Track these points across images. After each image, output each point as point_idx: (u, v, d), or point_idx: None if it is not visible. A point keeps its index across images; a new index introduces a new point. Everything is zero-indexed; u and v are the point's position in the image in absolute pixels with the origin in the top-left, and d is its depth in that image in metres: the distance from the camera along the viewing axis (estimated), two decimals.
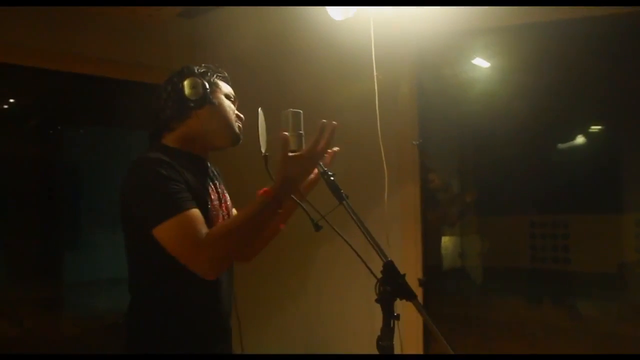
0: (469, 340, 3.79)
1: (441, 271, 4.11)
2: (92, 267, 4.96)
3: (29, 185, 4.38)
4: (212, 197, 1.73)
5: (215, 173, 1.86)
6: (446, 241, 4.17)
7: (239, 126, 1.78)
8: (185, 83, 1.67)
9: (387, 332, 1.50)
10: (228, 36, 3.31)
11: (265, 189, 1.53)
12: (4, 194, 4.24)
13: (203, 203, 1.65)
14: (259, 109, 1.63)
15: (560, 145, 3.76)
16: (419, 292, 2.40)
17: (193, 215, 1.52)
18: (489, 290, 4.04)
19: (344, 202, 1.56)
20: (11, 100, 4.32)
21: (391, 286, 1.50)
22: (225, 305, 1.73)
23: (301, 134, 1.59)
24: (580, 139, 3.72)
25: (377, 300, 1.51)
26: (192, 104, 1.68)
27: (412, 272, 2.64)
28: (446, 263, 4.14)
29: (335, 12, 2.32)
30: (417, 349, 2.61)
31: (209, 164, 1.83)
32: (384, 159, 2.52)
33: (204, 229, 1.50)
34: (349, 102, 2.88)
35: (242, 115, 1.80)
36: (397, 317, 1.51)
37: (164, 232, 1.49)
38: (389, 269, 1.51)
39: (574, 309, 3.73)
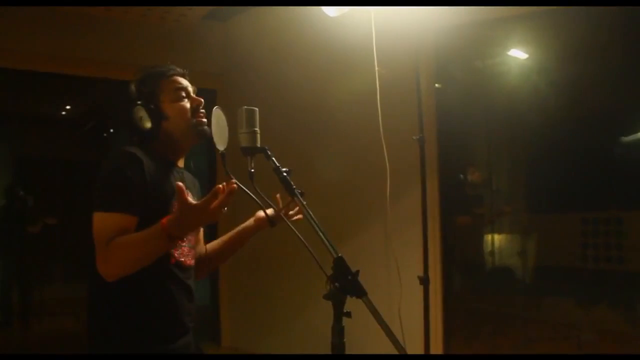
0: (513, 341, 3.68)
1: (484, 270, 4.01)
2: None
3: (84, 187, 4.61)
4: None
5: (189, 180, 1.90)
6: (491, 239, 4.06)
7: (199, 120, 1.80)
8: (136, 117, 1.73)
9: (337, 330, 1.48)
10: (242, 37, 3.37)
11: (165, 218, 1.53)
12: (62, 195, 4.51)
13: (165, 205, 1.69)
14: (215, 108, 1.65)
15: (614, 138, 3.55)
16: (420, 289, 2.34)
17: (125, 220, 1.58)
18: (537, 289, 3.90)
19: (296, 197, 1.55)
20: (67, 107, 4.59)
21: (340, 283, 1.48)
22: (181, 302, 1.77)
23: (255, 130, 1.60)
24: (635, 130, 3.51)
25: (325, 297, 1.49)
26: (149, 130, 1.74)
27: (414, 269, 2.57)
28: (490, 261, 4.03)
29: (330, 9, 2.31)
30: (419, 347, 2.55)
31: (182, 171, 1.87)
32: (386, 156, 2.48)
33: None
34: (351, 98, 2.86)
35: (200, 100, 1.82)
36: (348, 315, 1.48)
37: (96, 220, 1.59)
38: (339, 265, 1.49)
39: (629, 311, 3.52)
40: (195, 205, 1.48)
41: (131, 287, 1.60)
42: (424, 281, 2.32)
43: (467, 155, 3.76)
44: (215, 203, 1.47)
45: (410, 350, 2.47)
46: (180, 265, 1.74)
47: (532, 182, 3.89)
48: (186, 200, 1.47)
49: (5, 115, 4.16)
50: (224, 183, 1.50)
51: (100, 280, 1.64)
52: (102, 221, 1.57)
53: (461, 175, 3.67)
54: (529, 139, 3.75)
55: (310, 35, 3.02)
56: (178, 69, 1.84)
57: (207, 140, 1.78)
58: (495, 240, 4.06)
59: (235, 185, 1.49)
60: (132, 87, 1.78)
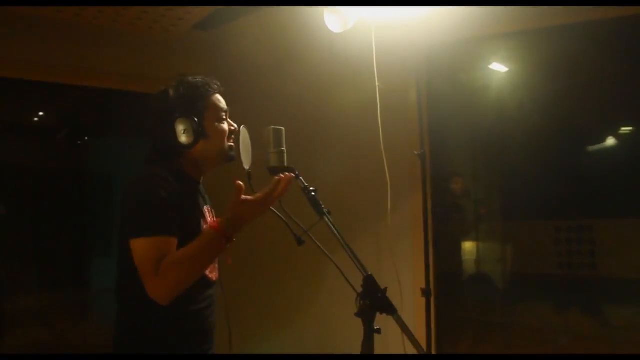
0: (492, 347, 3.75)
1: (463, 278, 4.08)
2: None
3: (58, 194, 4.55)
4: (208, 218, 1.79)
5: (206, 196, 1.90)
6: (469, 247, 4.13)
7: (230, 145, 1.79)
8: (177, 129, 1.69)
9: (367, 346, 1.51)
10: (238, 48, 3.37)
11: (214, 222, 1.58)
12: (36, 203, 4.41)
13: (197, 223, 1.70)
14: (242, 127, 1.66)
15: (585, 149, 3.68)
16: (422, 301, 2.40)
17: (167, 242, 1.56)
18: (514, 296, 3.99)
19: (325, 217, 1.57)
20: (41, 114, 4.48)
21: (371, 300, 1.51)
22: (210, 318, 1.78)
23: (283, 150, 1.62)
24: (605, 142, 3.64)
25: (356, 314, 1.52)
26: (181, 145, 1.70)
27: (416, 281, 2.63)
28: (469, 269, 4.10)
29: (334, 25, 2.34)
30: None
31: (201, 186, 1.87)
32: (386, 169, 2.53)
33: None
34: (351, 112, 2.89)
35: (234, 127, 1.81)
36: (378, 331, 1.52)
37: (137, 247, 1.57)
38: (369, 283, 1.52)
39: (601, 315, 3.64)
40: (254, 199, 1.55)
41: (159, 305, 1.59)
42: (426, 293, 2.36)
43: (451, 166, 3.83)
44: (275, 194, 1.55)
45: None
46: (208, 282, 1.75)
47: (509, 192, 3.98)
48: (244, 199, 1.54)
49: None
50: (285, 173, 1.57)
51: (129, 299, 1.64)
52: (145, 247, 1.55)
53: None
54: (508, 150, 3.84)
55: (307, 48, 3.04)
56: (220, 85, 1.81)
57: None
58: (473, 248, 4.14)
59: (292, 175, 1.56)
60: (172, 95, 1.73)
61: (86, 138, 4.65)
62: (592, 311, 3.66)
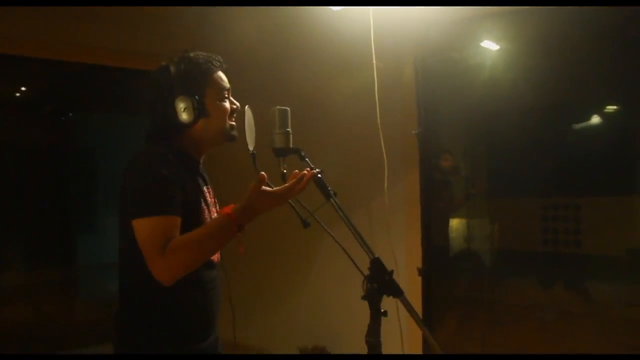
0: (479, 324, 3.80)
1: (451, 255, 4.11)
2: (107, 250, 5.03)
3: (42, 171, 4.48)
4: (208, 199, 1.76)
5: (205, 176, 1.88)
6: (456, 225, 4.15)
7: (231, 125, 1.76)
8: (177, 107, 1.66)
9: (373, 329, 1.52)
10: (231, 24, 3.30)
11: (227, 208, 1.56)
12: (19, 180, 4.34)
13: (197, 204, 1.68)
14: (246, 107, 1.64)
15: (572, 128, 3.69)
16: (418, 280, 2.41)
17: (172, 222, 1.55)
18: (500, 273, 4.03)
19: (332, 199, 1.56)
20: (23, 89, 4.38)
21: (378, 283, 1.51)
22: (215, 300, 1.77)
23: (288, 131, 1.60)
24: (592, 121, 3.66)
25: (363, 297, 1.52)
26: (181, 124, 1.68)
27: (412, 261, 2.64)
28: (456, 247, 4.13)
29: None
30: (417, 345, 2.63)
31: (201, 167, 1.85)
32: (383, 148, 2.53)
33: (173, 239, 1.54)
34: (349, 91, 2.87)
35: (236, 105, 1.78)
36: (384, 314, 1.52)
37: (141, 227, 1.54)
38: (376, 265, 1.52)
39: (585, 292, 3.69)
40: (273, 191, 1.54)
41: (165, 287, 1.56)
42: (423, 272, 2.38)
43: (443, 144, 3.83)
44: (297, 189, 1.54)
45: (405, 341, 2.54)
46: (210, 263, 1.73)
47: (498, 169, 4.00)
48: (263, 189, 1.52)
49: None
50: (307, 169, 1.56)
51: (134, 280, 1.62)
52: (150, 227, 1.52)
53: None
54: (497, 128, 3.84)
55: (306, 28, 2.99)
56: (223, 62, 1.77)
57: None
58: (461, 225, 4.17)
59: (314, 172, 1.56)
60: (173, 71, 1.69)
61: (70, 114, 4.58)
62: (577, 288, 3.70)
